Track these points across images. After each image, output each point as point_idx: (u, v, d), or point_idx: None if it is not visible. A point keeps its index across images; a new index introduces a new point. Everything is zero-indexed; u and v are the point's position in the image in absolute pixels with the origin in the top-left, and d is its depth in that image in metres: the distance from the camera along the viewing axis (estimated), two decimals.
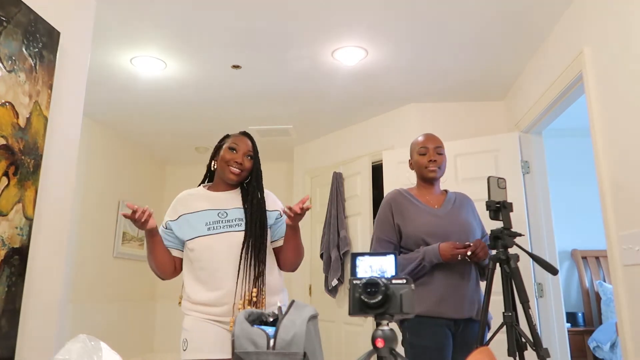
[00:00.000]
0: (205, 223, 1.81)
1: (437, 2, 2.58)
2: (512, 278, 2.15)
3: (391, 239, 2.13)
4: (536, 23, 2.78)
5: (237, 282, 1.76)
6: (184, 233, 1.83)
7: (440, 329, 2.02)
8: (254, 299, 1.76)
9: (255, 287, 1.77)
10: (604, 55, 2.24)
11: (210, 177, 2.00)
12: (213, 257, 1.78)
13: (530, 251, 2.45)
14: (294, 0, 2.57)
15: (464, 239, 2.09)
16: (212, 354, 1.74)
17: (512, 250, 2.30)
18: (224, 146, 1.91)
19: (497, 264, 2.27)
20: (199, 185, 1.99)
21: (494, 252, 2.25)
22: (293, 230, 1.84)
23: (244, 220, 1.82)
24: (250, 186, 1.90)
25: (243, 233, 1.79)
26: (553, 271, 2.07)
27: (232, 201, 1.88)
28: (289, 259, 1.90)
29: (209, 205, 1.86)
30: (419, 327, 2.03)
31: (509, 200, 3.30)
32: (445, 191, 2.26)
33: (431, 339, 2.00)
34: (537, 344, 1.97)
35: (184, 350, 1.77)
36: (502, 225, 2.23)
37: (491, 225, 3.19)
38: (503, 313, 2.16)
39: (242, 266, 1.76)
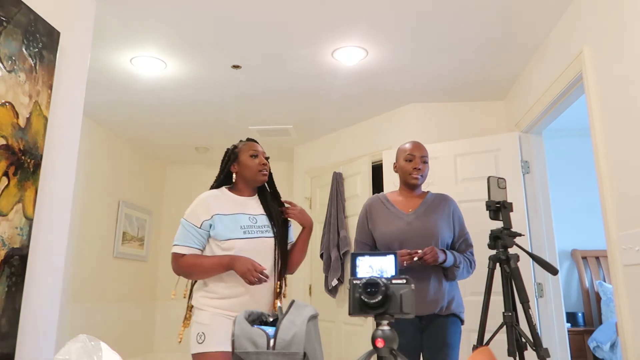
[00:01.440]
0: (241, 227, 1.98)
1: (437, 2, 2.58)
2: (512, 278, 2.15)
3: (367, 242, 2.33)
4: (536, 23, 2.78)
5: (273, 279, 2.02)
6: (217, 233, 1.96)
7: (405, 326, 2.17)
8: (278, 291, 2.04)
9: (279, 281, 2.04)
10: (604, 55, 2.24)
11: (221, 181, 2.14)
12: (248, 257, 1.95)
13: (530, 251, 2.45)
14: (294, 0, 2.57)
15: (424, 243, 2.19)
16: (229, 346, 1.89)
17: (512, 250, 2.30)
18: (240, 154, 2.08)
19: (497, 264, 2.27)
20: (212, 187, 2.12)
21: (493, 252, 2.25)
22: (307, 232, 2.12)
23: (270, 227, 2.05)
24: (274, 193, 2.15)
25: (272, 239, 2.03)
26: (553, 271, 2.08)
27: (257, 207, 2.09)
28: (296, 257, 2.12)
29: (240, 209, 2.03)
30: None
31: (509, 200, 3.30)
32: (426, 193, 2.37)
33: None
34: (537, 344, 1.97)
35: (200, 343, 1.89)
36: (502, 225, 2.24)
37: (491, 225, 3.19)
38: (503, 313, 2.17)
39: (275, 267, 2.02)
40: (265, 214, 2.08)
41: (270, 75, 3.46)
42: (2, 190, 1.72)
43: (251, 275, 1.82)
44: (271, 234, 2.03)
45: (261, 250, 1.99)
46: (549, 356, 1.96)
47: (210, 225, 1.96)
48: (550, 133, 4.86)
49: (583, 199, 4.78)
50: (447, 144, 3.61)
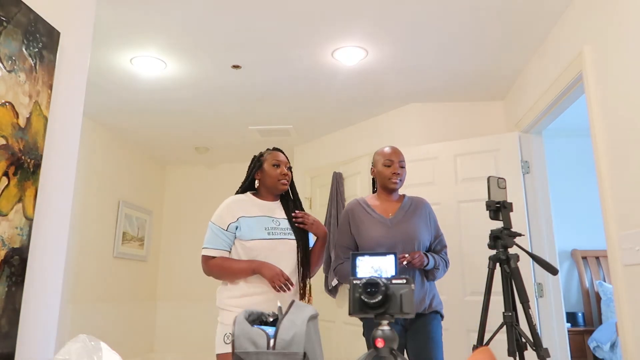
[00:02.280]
0: (265, 228, 2.10)
1: (438, 2, 2.58)
2: (512, 278, 2.15)
3: (349, 246, 2.38)
4: (536, 23, 2.78)
5: (296, 280, 2.13)
6: (242, 233, 2.08)
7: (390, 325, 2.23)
8: (302, 292, 2.13)
9: (302, 283, 2.14)
10: (604, 55, 2.24)
11: (246, 187, 2.27)
12: (271, 257, 2.06)
13: (530, 251, 2.46)
14: (294, 0, 2.57)
15: (409, 247, 2.25)
16: None
17: (512, 250, 2.29)
18: (265, 163, 2.21)
19: (497, 264, 2.27)
20: (237, 192, 2.26)
21: (493, 252, 2.25)
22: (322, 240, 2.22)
23: (291, 230, 2.16)
24: (295, 198, 2.26)
25: (295, 241, 2.14)
26: (553, 271, 2.08)
27: (279, 211, 2.21)
28: (313, 263, 2.22)
29: (264, 212, 2.16)
30: (372, 324, 2.22)
31: (508, 200, 3.30)
32: (403, 197, 2.43)
33: None
34: (537, 344, 1.97)
35: (227, 343, 1.98)
36: (502, 225, 2.24)
37: (491, 225, 3.19)
38: (503, 313, 2.17)
39: (299, 267, 2.13)
40: (287, 218, 2.19)
41: (270, 75, 3.46)
42: (2, 190, 1.72)
43: (278, 279, 1.96)
44: (293, 237, 2.14)
45: (284, 250, 2.09)
46: (549, 356, 1.96)
47: (237, 227, 2.08)
48: (550, 133, 4.86)
49: (583, 199, 4.78)
50: (447, 144, 3.61)
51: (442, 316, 2.32)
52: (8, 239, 1.74)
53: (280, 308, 1.00)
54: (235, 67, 3.32)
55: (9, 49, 1.76)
